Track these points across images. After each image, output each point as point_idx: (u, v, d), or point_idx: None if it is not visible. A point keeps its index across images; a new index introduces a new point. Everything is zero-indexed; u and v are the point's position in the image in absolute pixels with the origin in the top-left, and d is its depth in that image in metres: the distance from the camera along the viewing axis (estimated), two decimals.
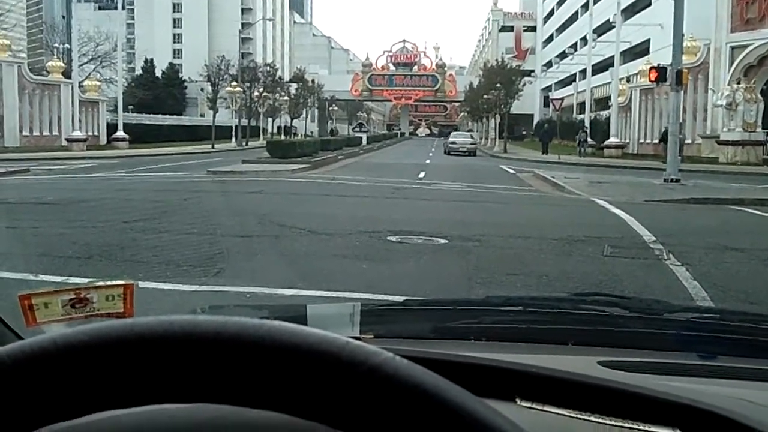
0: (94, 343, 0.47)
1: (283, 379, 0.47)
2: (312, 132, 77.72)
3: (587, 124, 43.07)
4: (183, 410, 0.66)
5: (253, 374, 0.47)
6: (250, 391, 0.47)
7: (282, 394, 0.47)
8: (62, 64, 43.08)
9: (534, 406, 0.83)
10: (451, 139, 46.99)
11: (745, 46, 30.82)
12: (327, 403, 0.46)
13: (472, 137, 50.85)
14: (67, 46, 54.60)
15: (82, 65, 47.73)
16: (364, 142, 53.01)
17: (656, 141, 35.86)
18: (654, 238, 8.99)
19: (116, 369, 0.47)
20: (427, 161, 33.79)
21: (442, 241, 8.53)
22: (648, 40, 48.41)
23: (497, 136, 54.92)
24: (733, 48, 31.67)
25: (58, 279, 5.70)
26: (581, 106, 51.74)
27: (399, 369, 0.47)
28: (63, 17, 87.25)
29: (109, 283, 1.11)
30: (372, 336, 1.22)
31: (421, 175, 22.57)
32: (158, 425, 0.66)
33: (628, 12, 51.15)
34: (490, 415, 0.46)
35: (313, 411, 0.47)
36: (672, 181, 19.12)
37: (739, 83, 30.16)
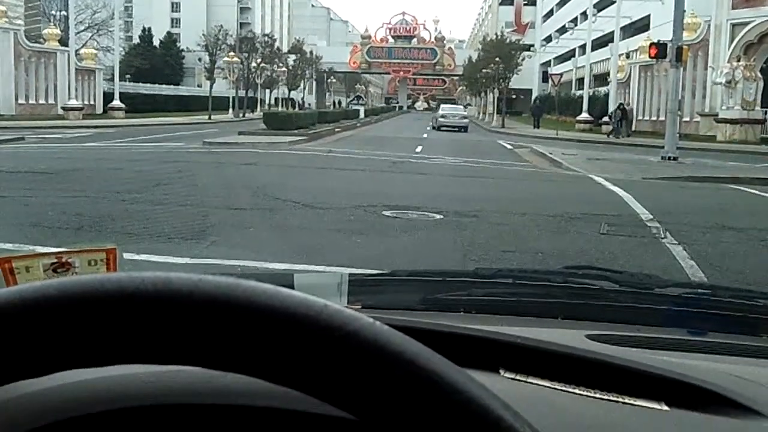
0: (62, 298, 0.45)
1: (257, 342, 0.45)
2: (309, 104, 77.31)
3: (586, 99, 42.80)
4: (155, 374, 0.64)
5: (226, 336, 0.45)
6: (223, 353, 0.46)
7: (256, 358, 0.45)
8: (59, 32, 42.71)
9: (518, 377, 0.81)
10: (440, 113, 42.87)
11: (746, 24, 30.64)
12: (302, 369, 0.45)
13: (464, 110, 48.10)
14: (64, 13, 54.07)
15: (79, 33, 47.27)
16: (362, 115, 52.85)
17: (654, 118, 35.77)
18: (651, 217, 8.99)
19: (84, 326, 0.45)
20: (425, 135, 33.70)
21: (438, 216, 8.52)
22: (648, 16, 48.08)
23: (495, 111, 54.73)
24: (733, 25, 31.47)
25: (46, 250, 5.67)
26: (580, 82, 51.50)
27: (378, 335, 0.45)
28: None
29: (91, 247, 1.09)
30: (359, 306, 1.21)
31: (419, 149, 22.51)
32: (130, 389, 0.64)
33: None
34: (472, 387, 0.45)
35: (287, 376, 0.45)
36: (669, 158, 19.10)
37: (738, 61, 30.04)
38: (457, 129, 39.86)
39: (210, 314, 0.45)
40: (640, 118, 37.87)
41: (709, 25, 32.86)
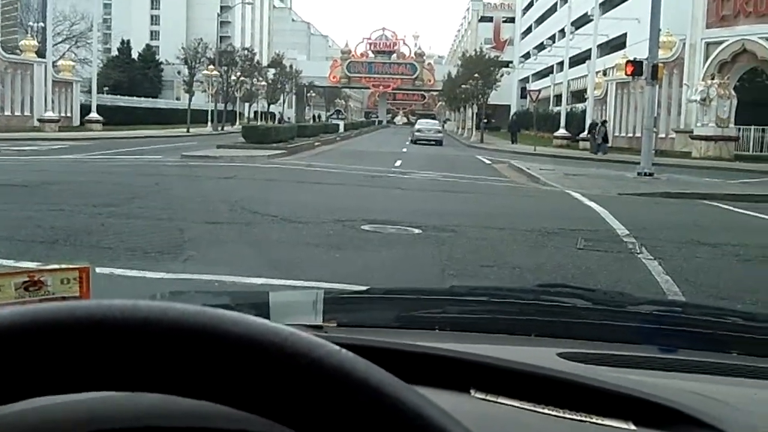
0: (29, 326, 0.46)
1: (223, 369, 0.45)
2: (289, 118, 77.20)
3: (563, 115, 43.17)
4: (121, 398, 0.64)
5: (192, 363, 0.45)
6: (189, 380, 0.46)
7: (222, 385, 0.46)
8: (36, 43, 42.33)
9: (488, 397, 0.82)
10: (417, 127, 46.19)
11: (720, 43, 31.14)
12: (268, 396, 0.45)
13: (440, 125, 51.27)
14: (41, 24, 53.67)
15: (56, 45, 46.93)
16: (342, 129, 52.91)
17: (630, 135, 36.14)
18: (627, 232, 9.06)
19: (51, 353, 0.45)
20: (404, 150, 33.79)
21: (417, 231, 8.53)
22: (625, 34, 48.70)
23: (474, 126, 55.06)
24: (708, 44, 31.96)
25: (20, 264, 5.60)
26: (558, 98, 51.97)
27: (344, 362, 0.46)
28: None
29: (64, 266, 1.08)
30: (335, 324, 1.21)
31: (398, 163, 22.55)
32: (96, 412, 0.64)
33: (606, 5, 51.35)
34: (433, 412, 0.45)
35: (253, 403, 0.46)
36: (645, 174, 19.29)
37: (713, 79, 30.47)
38: (432, 142, 41.92)
39: (176, 341, 0.45)
40: (616, 134, 38.20)
41: (684, 44, 33.33)
